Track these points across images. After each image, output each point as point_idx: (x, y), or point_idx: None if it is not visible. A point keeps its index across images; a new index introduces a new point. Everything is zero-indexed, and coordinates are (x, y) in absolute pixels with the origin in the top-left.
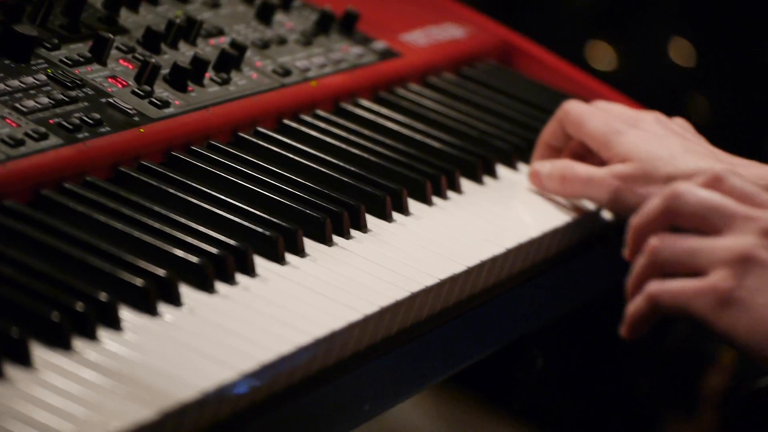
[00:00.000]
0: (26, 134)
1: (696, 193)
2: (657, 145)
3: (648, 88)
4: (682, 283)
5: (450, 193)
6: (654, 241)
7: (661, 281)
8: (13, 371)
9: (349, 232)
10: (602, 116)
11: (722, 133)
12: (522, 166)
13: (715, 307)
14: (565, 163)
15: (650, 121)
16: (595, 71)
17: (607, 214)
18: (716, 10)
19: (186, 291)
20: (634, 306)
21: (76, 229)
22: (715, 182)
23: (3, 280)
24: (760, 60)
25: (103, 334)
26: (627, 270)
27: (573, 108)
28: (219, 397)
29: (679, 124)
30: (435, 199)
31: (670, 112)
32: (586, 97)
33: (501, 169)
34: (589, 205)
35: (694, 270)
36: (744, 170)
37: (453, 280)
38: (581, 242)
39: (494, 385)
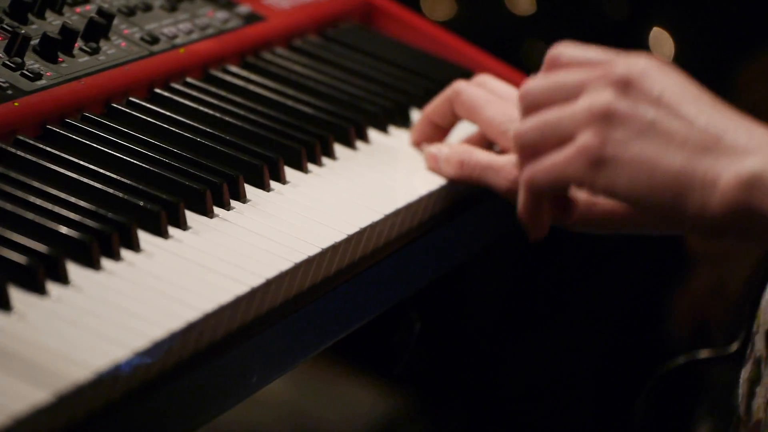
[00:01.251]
0: None
1: (538, 83)
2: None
3: (486, 36)
4: (551, 156)
5: (325, 160)
6: (514, 127)
7: (531, 164)
8: None
9: (229, 203)
10: (499, 104)
11: None
12: (393, 130)
13: (590, 169)
14: (465, 148)
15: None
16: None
17: None
18: None
19: (72, 268)
20: (520, 203)
21: None
22: (551, 62)
23: None
24: (597, 6)
25: None
26: (499, 232)
27: (465, 92)
28: (113, 375)
29: None
30: (310, 166)
31: (508, 60)
32: (441, 53)
33: (373, 133)
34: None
35: (561, 141)
36: None
37: (334, 248)
38: (455, 204)
39: (373, 350)
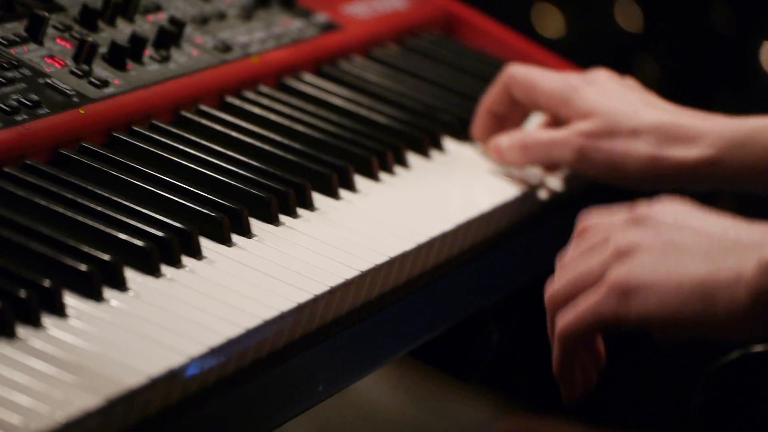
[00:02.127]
0: None
1: (572, 251)
2: (618, 100)
3: (596, 54)
4: (582, 300)
5: (397, 169)
6: (546, 295)
7: (560, 314)
8: None
9: (295, 211)
10: (555, 75)
11: (671, 97)
12: (465, 143)
13: (622, 302)
14: (523, 132)
15: (604, 77)
16: (542, 38)
17: (555, 186)
18: None
19: (131, 275)
20: (554, 358)
21: (17, 214)
22: (581, 232)
23: None
24: (706, 20)
25: (48, 321)
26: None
27: (519, 71)
28: (168, 381)
29: (629, 82)
30: (382, 175)
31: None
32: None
33: (448, 143)
34: (537, 179)
35: (591, 287)
36: (689, 120)
37: (403, 257)
38: (531, 216)
39: (452, 360)
